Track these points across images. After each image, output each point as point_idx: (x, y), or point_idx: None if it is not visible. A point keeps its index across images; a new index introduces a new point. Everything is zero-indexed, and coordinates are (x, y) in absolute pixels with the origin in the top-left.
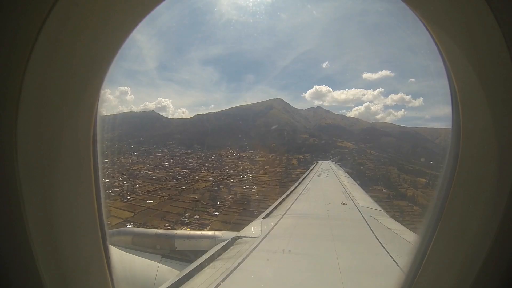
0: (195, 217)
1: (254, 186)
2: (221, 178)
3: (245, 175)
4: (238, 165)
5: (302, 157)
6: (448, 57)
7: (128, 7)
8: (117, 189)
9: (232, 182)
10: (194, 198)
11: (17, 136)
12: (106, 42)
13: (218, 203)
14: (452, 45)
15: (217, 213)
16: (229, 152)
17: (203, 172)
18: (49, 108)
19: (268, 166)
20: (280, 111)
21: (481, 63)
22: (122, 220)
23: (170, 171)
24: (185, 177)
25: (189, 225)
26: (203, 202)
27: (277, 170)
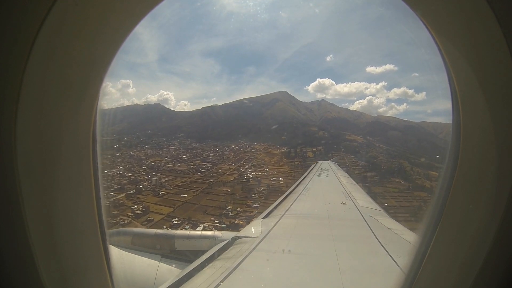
0: (237, 210)
1: (280, 178)
2: (244, 170)
3: (267, 167)
4: (255, 158)
5: (315, 149)
6: (449, 56)
7: (128, 6)
8: (146, 184)
9: (257, 174)
10: (227, 191)
11: (17, 134)
12: (107, 41)
13: (253, 195)
14: (452, 44)
15: (256, 205)
16: (242, 144)
17: (224, 164)
18: (49, 107)
19: (286, 159)
20: (286, 104)
21: (481, 62)
22: (164, 215)
23: (190, 164)
24: (208, 170)
25: (236, 218)
26: (237, 195)
27: (296, 162)
